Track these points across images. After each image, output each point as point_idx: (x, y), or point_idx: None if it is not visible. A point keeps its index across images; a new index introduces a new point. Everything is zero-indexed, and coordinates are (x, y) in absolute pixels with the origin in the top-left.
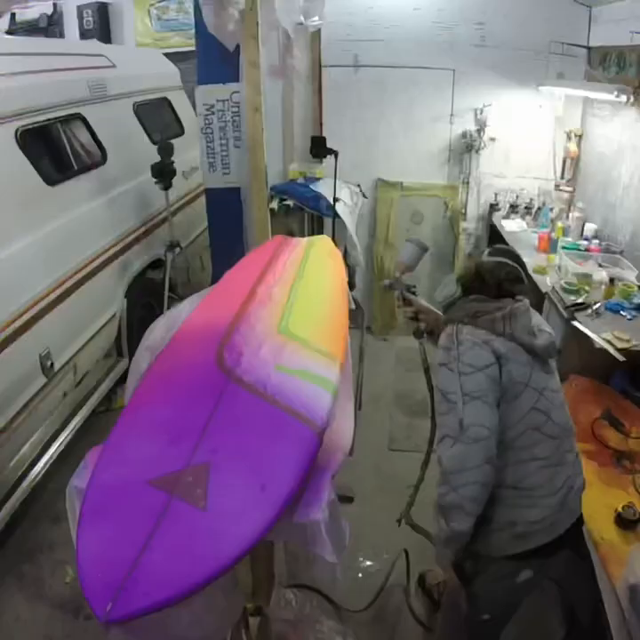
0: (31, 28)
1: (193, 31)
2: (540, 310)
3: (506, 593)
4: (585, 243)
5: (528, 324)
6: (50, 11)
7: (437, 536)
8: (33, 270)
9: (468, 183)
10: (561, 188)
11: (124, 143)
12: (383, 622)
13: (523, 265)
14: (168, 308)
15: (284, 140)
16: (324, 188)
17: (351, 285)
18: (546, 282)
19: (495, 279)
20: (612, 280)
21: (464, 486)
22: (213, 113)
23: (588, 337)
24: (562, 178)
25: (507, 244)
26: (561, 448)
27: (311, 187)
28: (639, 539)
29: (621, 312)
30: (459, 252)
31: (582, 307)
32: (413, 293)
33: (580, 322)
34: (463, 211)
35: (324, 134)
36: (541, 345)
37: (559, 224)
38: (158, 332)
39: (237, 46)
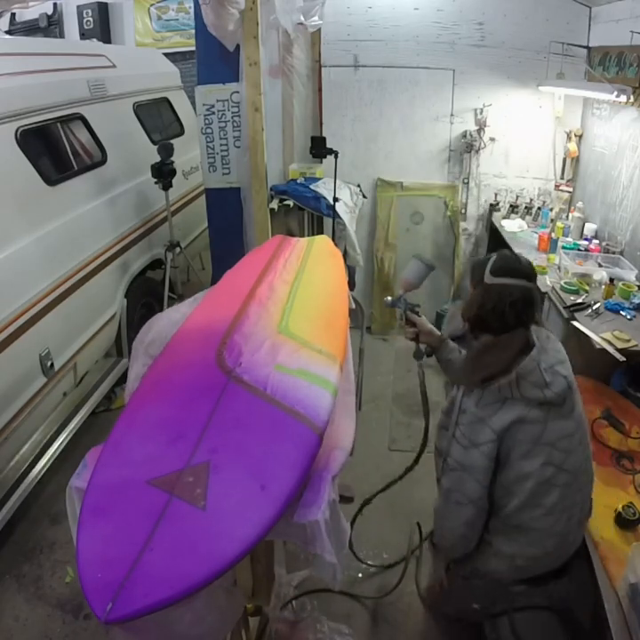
0: (31, 28)
1: (193, 31)
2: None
3: (501, 596)
4: (585, 243)
5: (539, 378)
6: (50, 11)
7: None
8: (33, 270)
9: (467, 183)
10: (561, 187)
11: (124, 143)
12: (384, 622)
13: (531, 272)
14: (168, 307)
15: (283, 140)
16: (323, 188)
17: (351, 285)
18: (546, 282)
19: (499, 312)
20: (611, 280)
21: (448, 535)
22: (213, 113)
23: (587, 337)
24: (562, 178)
25: (507, 245)
26: (570, 491)
27: (311, 187)
28: (639, 538)
29: (621, 312)
30: (459, 252)
31: (582, 306)
32: (416, 313)
33: (579, 322)
34: (463, 211)
35: (324, 134)
36: (554, 394)
37: (559, 224)
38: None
39: (237, 46)
